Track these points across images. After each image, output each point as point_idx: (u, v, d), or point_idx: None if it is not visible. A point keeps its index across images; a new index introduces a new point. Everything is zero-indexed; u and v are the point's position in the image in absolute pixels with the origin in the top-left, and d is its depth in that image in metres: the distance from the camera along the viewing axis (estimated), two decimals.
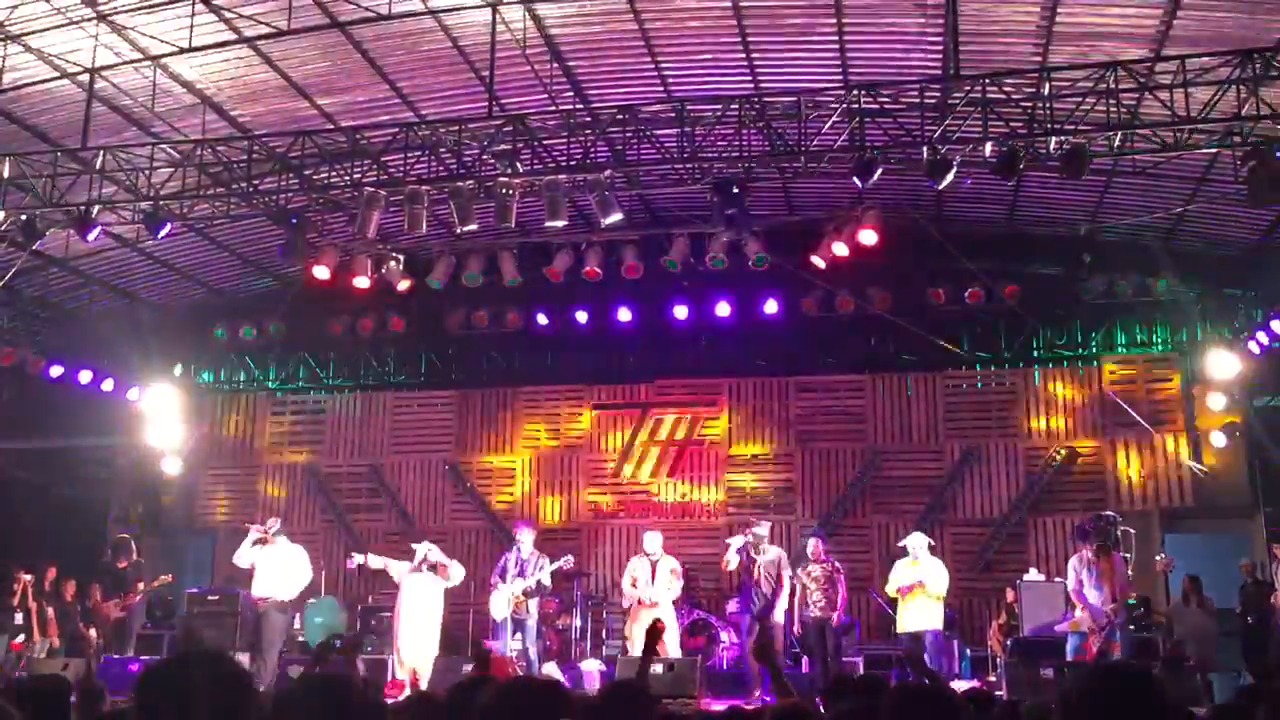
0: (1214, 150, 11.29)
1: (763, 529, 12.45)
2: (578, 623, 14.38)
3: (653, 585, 12.39)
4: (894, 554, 13.11)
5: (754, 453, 16.49)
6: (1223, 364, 14.52)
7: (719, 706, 9.55)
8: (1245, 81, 9.79)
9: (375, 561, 12.73)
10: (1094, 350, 16.07)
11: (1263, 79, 9.78)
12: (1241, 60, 9.83)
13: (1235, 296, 15.46)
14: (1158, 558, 12.80)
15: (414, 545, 12.74)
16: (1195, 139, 10.63)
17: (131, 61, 11.81)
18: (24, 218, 11.94)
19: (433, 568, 12.28)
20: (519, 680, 3.77)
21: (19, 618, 13.81)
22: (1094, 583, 11.13)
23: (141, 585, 14.08)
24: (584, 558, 15.69)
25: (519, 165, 11.51)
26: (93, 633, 14.87)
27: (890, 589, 12.50)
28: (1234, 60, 9.86)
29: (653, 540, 12.74)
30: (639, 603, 12.37)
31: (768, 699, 9.72)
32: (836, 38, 11.63)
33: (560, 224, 11.79)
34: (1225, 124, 10.25)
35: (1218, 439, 14.92)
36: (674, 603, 12.74)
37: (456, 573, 12.42)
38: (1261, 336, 14.54)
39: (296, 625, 13.70)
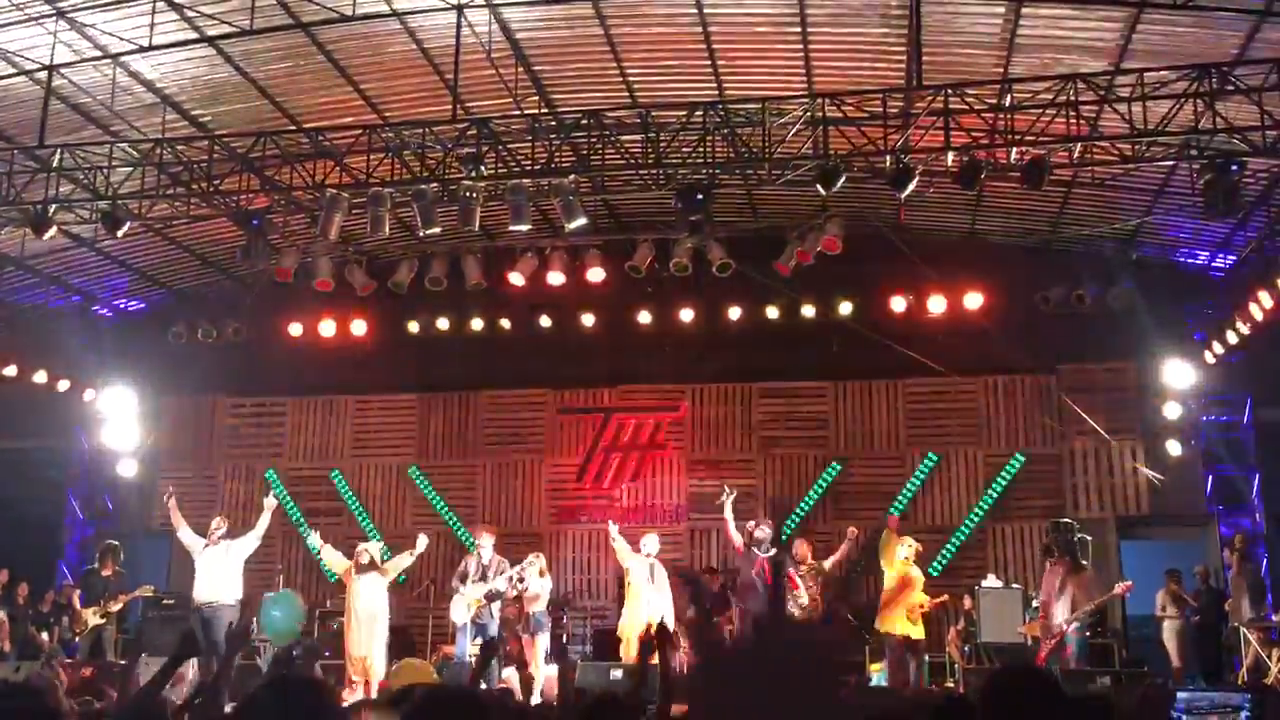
0: (1172, 163, 11.44)
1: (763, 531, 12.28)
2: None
3: (653, 585, 11.99)
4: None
5: (716, 458, 16.51)
6: (1179, 374, 14.70)
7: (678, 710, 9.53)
8: (1202, 95, 9.93)
9: (315, 543, 12.56)
10: (1053, 359, 16.20)
11: (1219, 93, 9.91)
12: (1199, 74, 9.96)
13: (1192, 307, 15.65)
14: (1118, 586, 12.75)
15: (360, 547, 12.39)
16: (1153, 151, 10.76)
17: (91, 59, 11.67)
18: None
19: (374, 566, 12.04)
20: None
21: None
22: (1062, 597, 11.26)
23: (124, 597, 13.64)
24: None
25: (483, 169, 11.45)
26: (45, 636, 14.62)
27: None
28: (1191, 74, 10.00)
29: (652, 542, 12.34)
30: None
31: None
32: (801, 46, 11.67)
33: (524, 228, 11.77)
34: (1183, 137, 10.38)
35: (1173, 448, 15.10)
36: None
37: (401, 561, 12.32)
38: (1217, 347, 14.74)
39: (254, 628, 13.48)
